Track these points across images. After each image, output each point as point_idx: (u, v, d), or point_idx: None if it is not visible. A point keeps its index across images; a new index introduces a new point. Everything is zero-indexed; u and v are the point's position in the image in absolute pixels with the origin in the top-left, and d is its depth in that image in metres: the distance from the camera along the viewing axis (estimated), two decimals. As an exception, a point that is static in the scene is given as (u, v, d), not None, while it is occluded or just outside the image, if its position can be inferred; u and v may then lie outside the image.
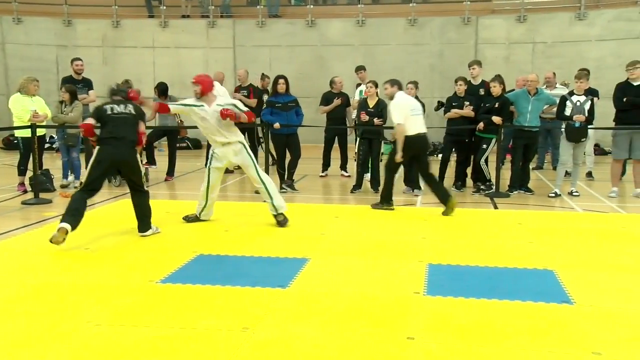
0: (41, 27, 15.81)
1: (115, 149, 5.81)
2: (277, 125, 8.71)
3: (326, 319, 3.94)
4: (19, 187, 8.66)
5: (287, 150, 8.98)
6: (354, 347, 3.53)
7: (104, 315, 3.97)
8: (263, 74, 11.92)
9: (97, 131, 5.98)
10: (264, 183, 6.52)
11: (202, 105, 6.35)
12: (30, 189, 8.31)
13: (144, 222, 6.11)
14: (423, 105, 8.79)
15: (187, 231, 6.37)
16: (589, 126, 8.52)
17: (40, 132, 8.57)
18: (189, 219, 6.76)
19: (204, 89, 6.34)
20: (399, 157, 7.28)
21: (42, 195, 8.11)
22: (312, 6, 15.55)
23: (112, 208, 7.70)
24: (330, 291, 4.51)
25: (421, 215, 7.37)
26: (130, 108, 6.03)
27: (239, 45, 15.56)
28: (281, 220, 6.53)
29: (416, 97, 8.81)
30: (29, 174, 8.38)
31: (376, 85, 8.75)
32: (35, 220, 6.90)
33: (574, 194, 8.62)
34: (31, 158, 8.18)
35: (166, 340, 3.59)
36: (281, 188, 8.93)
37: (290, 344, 3.56)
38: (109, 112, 5.93)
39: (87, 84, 10.13)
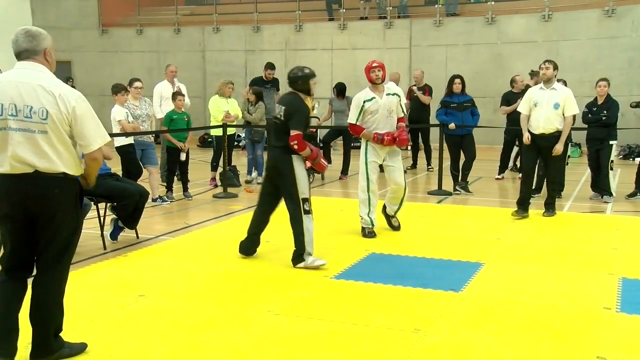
0: (233, 34, 17.18)
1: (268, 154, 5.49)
2: (452, 125, 8.52)
3: (502, 327, 3.75)
4: (211, 182, 9.49)
5: (462, 151, 8.74)
6: (533, 359, 3.31)
7: (282, 305, 4.18)
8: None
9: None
10: (405, 189, 6.21)
11: (373, 98, 5.98)
12: (220, 184, 9.05)
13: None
14: (614, 105, 8.02)
15: (360, 229, 6.48)
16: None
17: (230, 131, 9.32)
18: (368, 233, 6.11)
19: (385, 75, 6.08)
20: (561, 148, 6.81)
21: (229, 190, 8.80)
22: (492, 2, 14.95)
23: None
24: (507, 298, 4.29)
25: (612, 223, 6.71)
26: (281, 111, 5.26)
27: (414, 45, 15.47)
28: (397, 225, 6.37)
29: (608, 95, 8.08)
30: (220, 170, 9.12)
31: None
32: (224, 213, 7.50)
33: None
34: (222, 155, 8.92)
35: (339, 334, 3.68)
36: (454, 189, 8.72)
37: (463, 349, 3.45)
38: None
39: (275, 85, 10.78)
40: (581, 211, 7.46)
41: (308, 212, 5.01)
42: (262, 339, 3.61)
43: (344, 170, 10.41)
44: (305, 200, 4.99)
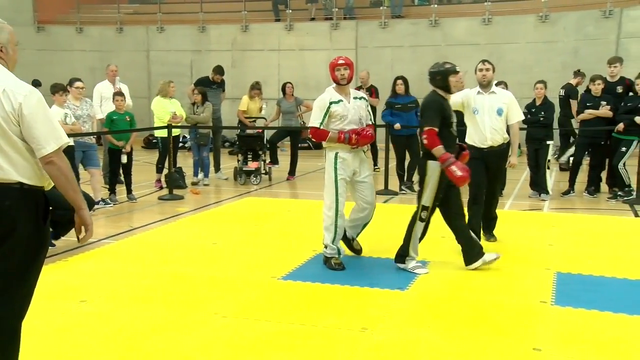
0: (179, 34, 16.93)
1: None
2: (397, 126, 8.68)
3: (446, 324, 3.85)
4: (156, 184, 9.33)
5: (407, 151, 8.91)
6: (476, 354, 3.41)
7: (230, 307, 4.16)
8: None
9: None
10: (374, 208, 5.29)
11: (341, 101, 5.07)
12: (166, 186, 8.91)
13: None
14: (551, 107, 8.35)
15: (307, 230, 6.50)
16: None
17: (175, 132, 9.19)
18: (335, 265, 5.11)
19: (352, 74, 5.14)
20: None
21: (175, 191, 8.67)
22: (436, 5, 15.28)
23: (237, 205, 8.06)
24: (451, 296, 4.40)
25: (549, 220, 6.97)
26: None
27: (361, 46, 15.64)
28: (360, 249, 5.50)
29: (545, 97, 8.40)
30: (165, 171, 8.98)
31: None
32: (170, 215, 7.39)
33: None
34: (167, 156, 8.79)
35: (287, 335, 3.69)
36: (400, 189, 8.88)
37: (409, 346, 3.52)
38: None
39: (221, 85, 10.69)
40: (521, 209, 7.71)
41: (423, 219, 4.92)
42: (209, 343, 3.58)
43: (292, 171, 10.43)
44: (425, 208, 4.89)
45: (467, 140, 5.70)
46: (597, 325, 3.80)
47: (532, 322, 3.87)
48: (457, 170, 4.65)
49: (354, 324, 3.85)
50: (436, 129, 4.75)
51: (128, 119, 8.15)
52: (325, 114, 5.05)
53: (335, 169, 5.04)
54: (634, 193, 8.09)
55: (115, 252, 5.63)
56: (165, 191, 8.80)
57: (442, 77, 4.88)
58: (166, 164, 8.77)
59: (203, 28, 16.73)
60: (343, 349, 3.49)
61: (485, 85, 5.73)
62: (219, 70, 10.77)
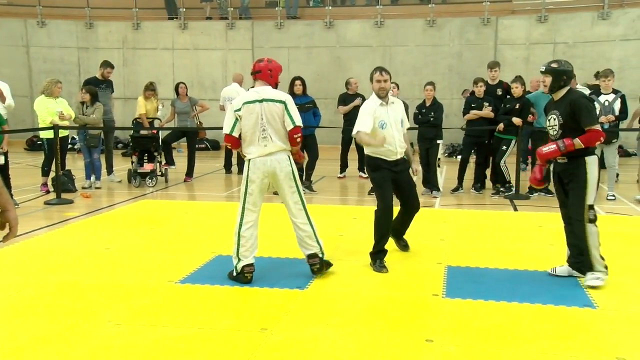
0: (63, 29, 16.00)
1: None
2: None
3: (344, 321, 3.93)
4: (42, 188, 8.78)
5: (305, 152, 8.99)
6: (372, 348, 3.51)
7: (124, 314, 4.00)
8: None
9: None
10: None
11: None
12: (53, 190, 8.41)
13: None
14: (440, 107, 8.78)
15: (206, 232, 6.40)
16: (619, 127, 8.35)
17: (63, 133, 8.70)
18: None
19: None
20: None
21: (64, 195, 8.21)
22: (330, 7, 15.55)
23: (131, 208, 7.77)
24: (349, 293, 4.50)
25: (440, 217, 7.32)
26: None
27: (257, 46, 15.60)
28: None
29: (434, 98, 8.81)
30: (52, 174, 8.48)
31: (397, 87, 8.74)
32: (57, 220, 6.98)
33: (609, 197, 8.43)
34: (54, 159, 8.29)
35: (185, 340, 3.61)
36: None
37: (308, 345, 3.56)
38: None
39: (109, 85, 10.23)
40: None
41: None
42: (101, 352, 3.43)
43: (189, 172, 10.21)
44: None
45: (377, 153, 5.18)
46: (483, 314, 4.05)
47: (425, 315, 4.05)
48: None
49: (254, 324, 3.84)
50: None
51: None
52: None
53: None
54: (513, 189, 8.68)
55: (-5, 262, 5.23)
56: (52, 195, 8.31)
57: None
58: (53, 167, 8.28)
59: (90, 24, 15.95)
60: (242, 350, 3.47)
61: (384, 96, 5.21)
62: (108, 63, 10.27)
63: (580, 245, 4.66)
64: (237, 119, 4.73)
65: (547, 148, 4.67)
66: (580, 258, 4.71)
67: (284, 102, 4.76)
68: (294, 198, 4.82)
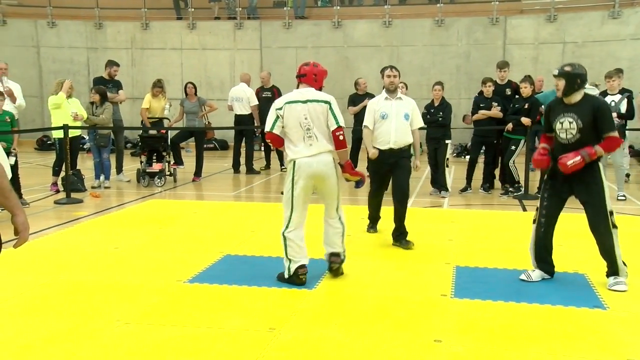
0: (73, 30, 16.09)
1: None
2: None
3: (352, 321, 3.93)
4: (52, 187, 8.83)
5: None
6: (380, 348, 3.51)
7: (133, 313, 4.02)
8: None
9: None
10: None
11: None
12: (62, 189, 8.46)
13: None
14: (448, 107, 8.75)
15: (214, 232, 6.42)
16: (626, 127, 8.30)
17: (76, 133, 8.74)
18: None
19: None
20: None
21: (73, 195, 8.26)
22: (338, 7, 15.54)
23: (140, 208, 7.80)
24: (357, 293, 4.50)
25: (448, 217, 7.31)
26: None
27: (265, 46, 15.62)
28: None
29: (442, 98, 8.79)
30: (62, 174, 8.53)
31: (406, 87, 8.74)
32: (67, 220, 7.02)
33: (620, 197, 8.35)
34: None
35: (193, 339, 3.62)
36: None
37: (316, 345, 3.56)
38: None
39: (117, 85, 10.28)
40: (422, 206, 8.02)
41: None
42: (109, 351, 3.44)
43: (197, 172, 10.25)
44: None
45: (373, 141, 5.90)
46: (491, 315, 4.03)
47: (433, 315, 4.04)
48: None
49: (262, 324, 3.84)
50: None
51: (8, 120, 7.65)
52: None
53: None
54: (522, 189, 8.65)
55: (3, 261, 5.26)
56: (61, 195, 8.36)
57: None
58: (64, 167, 8.32)
59: (100, 25, 16.02)
60: (250, 350, 3.48)
61: (392, 91, 5.89)
62: (113, 62, 10.31)
63: (608, 256, 4.64)
64: (277, 117, 4.73)
65: (572, 161, 4.44)
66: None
67: (328, 103, 4.79)
68: (333, 198, 4.87)
